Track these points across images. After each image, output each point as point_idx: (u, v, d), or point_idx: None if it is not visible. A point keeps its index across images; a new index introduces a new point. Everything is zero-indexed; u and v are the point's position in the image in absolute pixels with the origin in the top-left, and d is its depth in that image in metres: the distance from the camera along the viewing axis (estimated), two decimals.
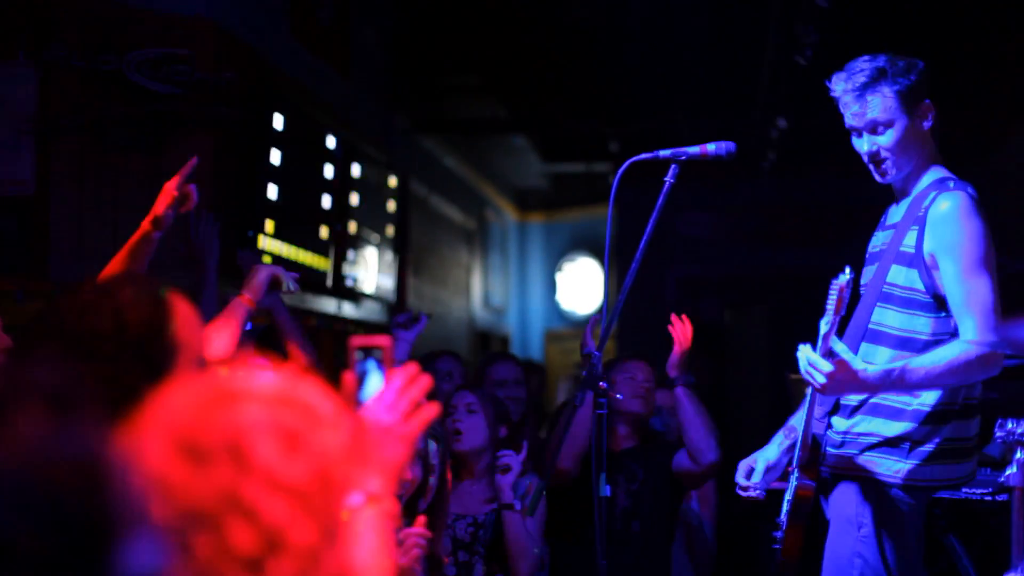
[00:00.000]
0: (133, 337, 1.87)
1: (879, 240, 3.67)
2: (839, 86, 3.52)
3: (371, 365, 2.06)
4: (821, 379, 3.22)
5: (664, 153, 3.65)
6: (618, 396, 4.55)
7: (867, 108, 3.46)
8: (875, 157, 3.49)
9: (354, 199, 7.52)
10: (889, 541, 3.35)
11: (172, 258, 4.08)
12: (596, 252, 13.03)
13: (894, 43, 6.98)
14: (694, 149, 3.63)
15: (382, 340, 2.07)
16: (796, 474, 3.49)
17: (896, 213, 3.62)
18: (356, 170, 7.51)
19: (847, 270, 3.17)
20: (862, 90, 3.46)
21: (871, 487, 3.41)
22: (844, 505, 3.45)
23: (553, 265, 13.52)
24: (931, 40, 6.84)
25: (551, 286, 13.52)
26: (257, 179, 6.07)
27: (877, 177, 3.55)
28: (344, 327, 7.51)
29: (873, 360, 3.40)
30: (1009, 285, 4.37)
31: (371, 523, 1.94)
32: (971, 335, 3.27)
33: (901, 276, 3.46)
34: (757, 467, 3.67)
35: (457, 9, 7.89)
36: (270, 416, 1.38)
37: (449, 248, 11.05)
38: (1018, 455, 2.86)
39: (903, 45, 7.06)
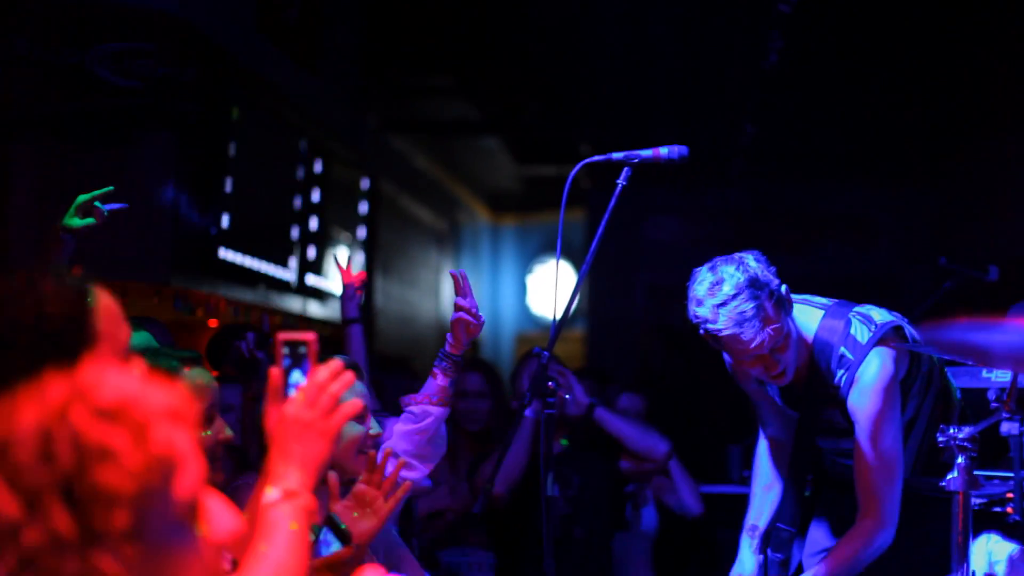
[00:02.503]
0: (52, 329, 1.87)
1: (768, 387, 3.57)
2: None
3: (294, 361, 2.06)
4: None
5: (617, 156, 3.63)
6: (567, 397, 4.56)
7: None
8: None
9: (321, 198, 7.50)
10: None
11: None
12: (569, 255, 13.00)
13: (856, 45, 7.04)
14: (647, 152, 3.61)
15: (308, 335, 2.07)
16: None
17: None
18: (324, 169, 7.49)
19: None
20: None
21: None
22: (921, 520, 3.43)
23: (526, 268, 13.51)
24: (893, 40, 6.88)
25: (523, 289, 13.51)
26: (218, 176, 6.06)
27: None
28: (309, 327, 7.50)
29: None
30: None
31: (287, 518, 1.93)
32: (876, 519, 3.29)
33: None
34: None
35: (428, 9, 7.88)
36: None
37: (419, 249, 11.03)
38: (959, 460, 2.86)
39: (866, 47, 7.11)
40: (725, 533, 5.33)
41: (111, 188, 3.47)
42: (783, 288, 3.24)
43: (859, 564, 3.33)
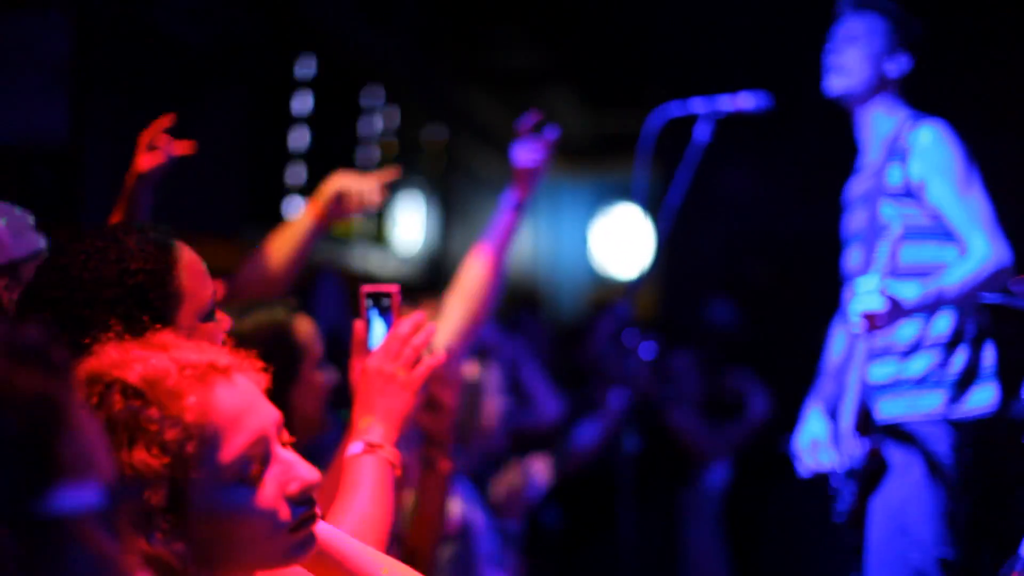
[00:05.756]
0: (135, 284, 1.85)
1: (856, 186, 3.64)
2: None
3: (377, 313, 2.03)
4: (878, 307, 3.15)
5: (698, 108, 3.59)
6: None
7: None
8: None
9: (392, 151, 7.48)
10: (942, 483, 3.28)
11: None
12: (640, 206, 12.83)
13: None
14: (729, 105, 3.57)
15: (391, 287, 2.04)
16: (859, 439, 3.42)
17: (868, 155, 3.62)
18: (394, 121, 7.46)
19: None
20: None
21: (919, 428, 3.36)
22: (899, 450, 3.39)
23: (594, 220, 13.31)
24: None
25: (586, 243, 13.34)
26: (289, 128, 6.06)
27: None
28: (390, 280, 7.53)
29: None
30: None
31: (370, 471, 1.91)
32: (984, 246, 3.25)
33: (895, 213, 3.42)
34: (809, 446, 3.55)
35: None
36: None
37: (489, 201, 10.97)
38: None
39: None
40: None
41: (170, 116, 3.10)
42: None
43: (975, 277, 3.22)
